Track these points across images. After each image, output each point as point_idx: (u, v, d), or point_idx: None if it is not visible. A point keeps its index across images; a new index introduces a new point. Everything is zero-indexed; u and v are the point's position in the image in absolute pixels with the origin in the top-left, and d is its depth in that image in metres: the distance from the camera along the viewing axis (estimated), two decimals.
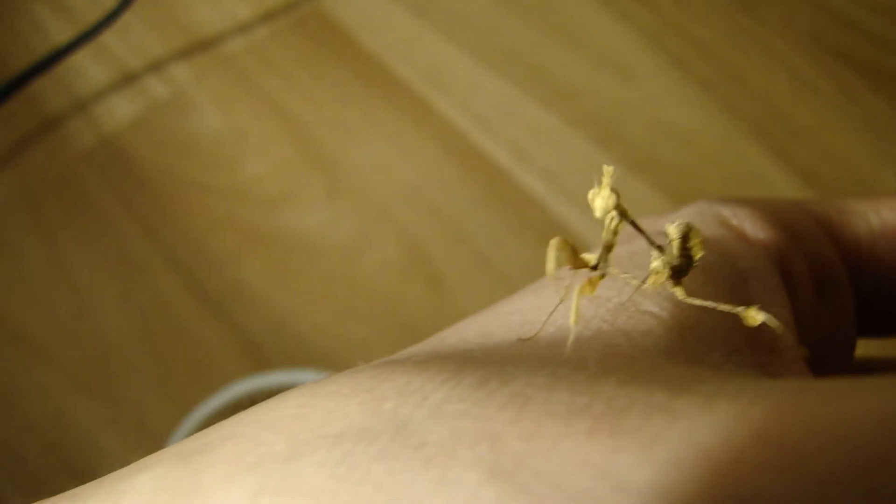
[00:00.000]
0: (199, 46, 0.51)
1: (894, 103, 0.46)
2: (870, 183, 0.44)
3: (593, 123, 0.46)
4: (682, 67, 0.48)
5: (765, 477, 0.10)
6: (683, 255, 0.16)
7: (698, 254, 0.16)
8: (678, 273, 0.16)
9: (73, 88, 0.49)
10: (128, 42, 0.51)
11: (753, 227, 0.19)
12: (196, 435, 0.15)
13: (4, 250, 0.44)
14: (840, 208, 0.21)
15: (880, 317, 0.22)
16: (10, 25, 0.52)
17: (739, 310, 0.16)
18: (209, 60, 0.50)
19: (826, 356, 0.18)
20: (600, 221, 0.16)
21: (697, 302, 0.16)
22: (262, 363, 0.40)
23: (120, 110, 0.49)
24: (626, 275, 0.17)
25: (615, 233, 0.16)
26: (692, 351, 0.15)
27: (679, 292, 0.16)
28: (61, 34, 0.50)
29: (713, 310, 0.16)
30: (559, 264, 0.15)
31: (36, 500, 0.15)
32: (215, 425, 0.15)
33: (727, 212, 0.19)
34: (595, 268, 0.16)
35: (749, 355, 0.15)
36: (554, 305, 0.16)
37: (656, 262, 0.16)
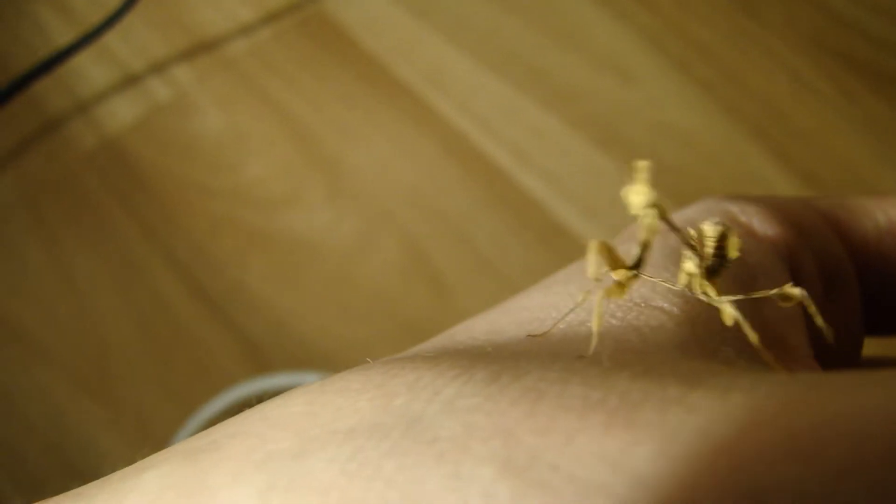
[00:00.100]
0: (202, 48, 0.51)
1: (894, 105, 0.46)
2: (870, 184, 0.44)
3: (594, 125, 0.46)
4: (682, 69, 0.48)
5: (781, 469, 0.10)
6: (717, 256, 0.16)
7: (733, 255, 0.16)
8: (710, 273, 0.16)
9: (74, 90, 0.49)
10: (130, 43, 0.51)
11: (762, 224, 0.19)
12: (202, 433, 0.15)
13: (6, 251, 0.44)
14: (847, 206, 0.21)
15: (886, 314, 0.22)
16: (13, 26, 0.52)
17: (774, 292, 0.15)
18: (211, 62, 0.50)
19: (834, 353, 0.18)
20: (636, 217, 0.15)
21: (731, 298, 0.15)
22: (263, 364, 0.40)
23: (122, 112, 0.49)
24: (656, 279, 0.16)
25: (653, 231, 0.15)
26: (704, 346, 0.15)
27: (712, 293, 0.16)
28: (63, 35, 0.50)
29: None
30: (599, 267, 0.15)
31: (36, 501, 0.14)
32: (221, 423, 0.15)
33: (735, 209, 0.19)
34: (635, 269, 0.16)
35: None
36: (563, 302, 0.16)
37: (689, 262, 0.16)
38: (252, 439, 0.14)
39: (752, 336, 0.15)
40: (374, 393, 0.14)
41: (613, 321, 0.16)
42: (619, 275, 0.15)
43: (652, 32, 0.49)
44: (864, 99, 0.46)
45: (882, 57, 0.47)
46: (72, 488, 0.15)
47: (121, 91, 0.49)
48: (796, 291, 0.15)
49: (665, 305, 0.16)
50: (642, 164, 0.15)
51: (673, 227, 0.16)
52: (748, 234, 0.18)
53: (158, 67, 0.50)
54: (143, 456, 0.15)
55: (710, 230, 0.16)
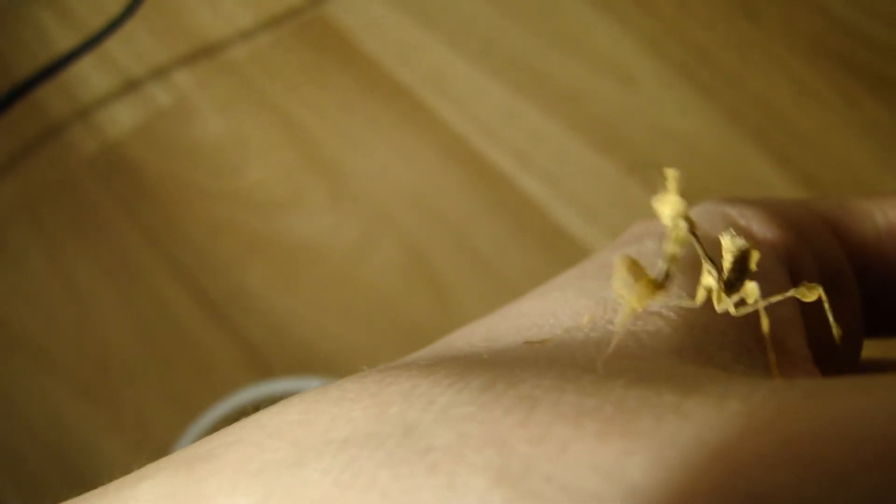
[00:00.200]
0: (202, 53, 0.51)
1: (894, 108, 0.46)
2: (870, 188, 0.44)
3: (594, 128, 0.46)
4: (682, 72, 0.48)
5: (778, 476, 0.10)
6: (736, 270, 0.16)
7: (752, 269, 0.16)
8: (728, 287, 0.16)
9: (76, 95, 0.49)
10: (131, 49, 0.51)
11: (761, 227, 0.19)
12: (199, 442, 0.15)
13: (7, 256, 0.44)
14: (846, 207, 0.21)
15: (886, 315, 0.22)
16: (14, 32, 0.52)
17: (791, 293, 0.15)
18: (212, 67, 0.50)
19: (834, 355, 0.18)
20: (669, 227, 0.15)
21: (749, 310, 0.15)
22: (264, 368, 0.40)
23: (123, 117, 0.49)
24: (681, 300, 0.16)
25: (683, 243, 0.15)
26: (701, 351, 0.15)
27: (731, 308, 0.15)
28: (65, 41, 0.50)
29: (724, 311, 0.16)
30: (627, 283, 0.14)
31: None
32: (218, 432, 0.15)
33: (734, 212, 0.19)
34: (662, 285, 0.15)
35: (759, 356, 0.15)
36: (561, 309, 0.16)
37: (709, 277, 0.15)
38: (249, 448, 0.14)
39: (765, 324, 0.14)
40: (369, 402, 0.14)
41: (611, 327, 0.16)
42: (645, 290, 0.15)
43: (652, 36, 0.49)
44: (864, 102, 0.46)
45: (882, 60, 0.47)
46: (72, 493, 0.15)
47: (122, 96, 0.49)
48: (814, 286, 0.15)
49: (663, 311, 0.16)
50: (672, 173, 0.14)
51: (698, 241, 0.15)
52: (747, 237, 0.18)
53: (159, 73, 0.50)
54: (141, 464, 0.15)
55: (728, 244, 0.16)
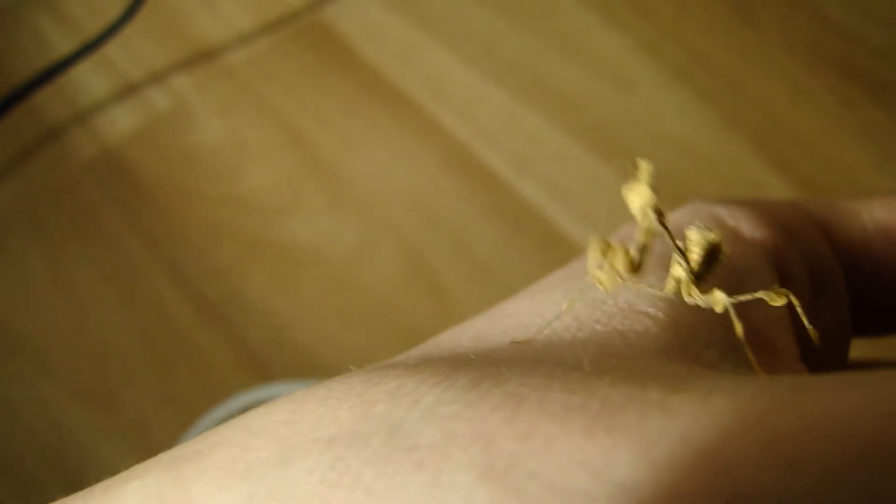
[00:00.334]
0: (201, 57, 0.51)
1: (892, 113, 0.46)
2: (867, 191, 0.43)
3: (593, 133, 0.46)
4: (681, 77, 0.48)
5: (762, 473, 0.10)
6: (704, 261, 0.16)
7: (720, 260, 0.16)
8: (698, 278, 0.16)
9: (74, 99, 0.50)
10: (129, 53, 0.51)
11: (749, 227, 0.19)
12: (186, 443, 0.15)
13: (6, 260, 0.44)
14: (834, 208, 0.21)
15: (874, 315, 0.22)
16: (13, 37, 0.52)
17: (761, 293, 0.15)
18: (210, 71, 0.50)
19: (822, 355, 0.18)
20: (636, 218, 0.15)
21: (723, 302, 0.15)
22: (262, 371, 0.40)
23: (122, 121, 0.49)
24: (641, 284, 0.16)
25: (652, 233, 0.15)
26: (689, 350, 0.15)
27: (700, 297, 0.16)
28: (63, 45, 0.50)
29: (710, 309, 0.16)
30: (599, 265, 0.14)
31: None
32: (205, 433, 0.15)
33: (723, 212, 0.19)
34: (634, 272, 0.15)
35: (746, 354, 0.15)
36: (549, 309, 0.16)
37: (678, 267, 0.16)
38: (234, 449, 0.14)
39: (739, 327, 0.15)
40: (355, 401, 0.14)
41: (598, 326, 0.16)
42: (619, 267, 0.15)
43: (651, 41, 0.49)
44: (862, 107, 0.46)
45: (880, 65, 0.47)
46: (70, 495, 0.15)
47: (120, 100, 0.50)
48: (783, 291, 0.15)
49: (650, 310, 0.16)
50: (643, 164, 0.15)
51: (667, 231, 0.15)
52: (736, 237, 0.18)
53: (158, 77, 0.50)
54: (129, 465, 0.15)
55: (694, 236, 0.16)
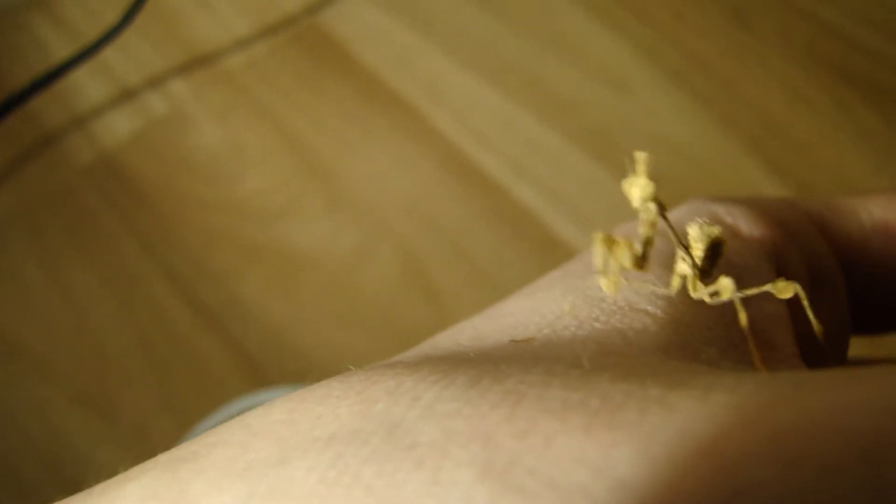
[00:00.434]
0: (198, 62, 0.51)
1: (888, 117, 0.46)
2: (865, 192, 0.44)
3: (590, 136, 0.46)
4: (678, 80, 0.48)
5: (762, 469, 0.10)
6: (707, 258, 0.16)
7: (721, 256, 0.16)
8: (703, 275, 0.16)
9: (72, 104, 0.50)
10: (127, 58, 0.51)
11: (748, 225, 0.19)
12: (185, 444, 0.15)
13: (4, 265, 0.44)
14: (832, 205, 0.21)
15: (872, 312, 0.22)
16: (11, 41, 0.52)
17: (768, 287, 0.15)
18: (208, 76, 0.50)
19: (821, 352, 0.18)
20: (637, 211, 0.15)
21: (725, 300, 0.15)
22: (261, 376, 0.40)
23: (119, 126, 0.49)
24: (646, 280, 0.16)
25: (654, 226, 0.15)
26: (688, 347, 0.15)
27: (706, 296, 0.15)
28: (61, 50, 0.50)
29: (710, 307, 0.16)
30: (605, 260, 0.14)
31: None
32: (204, 433, 0.15)
33: (721, 210, 0.19)
34: (640, 265, 0.15)
35: (746, 351, 0.15)
36: (547, 308, 0.16)
37: (683, 264, 0.16)
38: (233, 448, 0.14)
39: (743, 317, 0.15)
40: (354, 399, 0.14)
41: (597, 325, 0.16)
42: (624, 262, 0.15)
43: (648, 44, 0.49)
44: (858, 110, 0.46)
45: (875, 69, 0.47)
46: None
47: (118, 105, 0.50)
48: (791, 284, 0.15)
49: (649, 308, 0.16)
50: (642, 156, 0.15)
51: (669, 226, 0.15)
52: (734, 234, 0.18)
53: (156, 82, 0.50)
54: (127, 467, 0.15)
55: (696, 233, 0.16)
